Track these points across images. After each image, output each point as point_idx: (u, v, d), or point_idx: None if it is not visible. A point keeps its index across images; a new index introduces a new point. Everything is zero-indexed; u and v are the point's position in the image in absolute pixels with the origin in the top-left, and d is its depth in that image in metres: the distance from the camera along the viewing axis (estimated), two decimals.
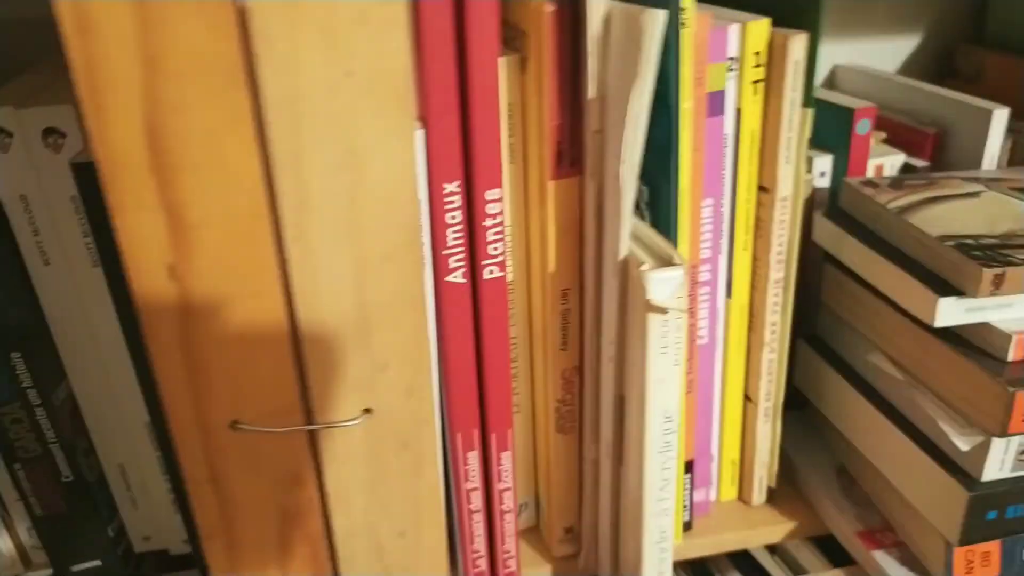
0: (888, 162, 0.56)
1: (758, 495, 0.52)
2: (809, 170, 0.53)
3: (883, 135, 0.58)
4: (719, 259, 0.44)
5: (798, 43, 0.39)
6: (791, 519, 0.51)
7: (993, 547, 0.43)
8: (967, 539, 0.42)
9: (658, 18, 0.31)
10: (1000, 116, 0.52)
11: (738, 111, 0.40)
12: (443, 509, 0.34)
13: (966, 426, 0.41)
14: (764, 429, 0.49)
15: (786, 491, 0.53)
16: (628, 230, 0.34)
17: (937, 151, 0.56)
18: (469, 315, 0.37)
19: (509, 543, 0.44)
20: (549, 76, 0.34)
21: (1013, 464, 0.41)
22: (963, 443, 0.41)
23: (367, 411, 0.31)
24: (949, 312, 0.40)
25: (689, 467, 0.48)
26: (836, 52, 0.66)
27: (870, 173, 0.55)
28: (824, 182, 0.54)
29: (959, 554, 0.43)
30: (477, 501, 0.42)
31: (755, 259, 0.44)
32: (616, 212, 0.34)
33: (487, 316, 0.37)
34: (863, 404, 0.48)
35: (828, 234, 0.50)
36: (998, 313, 0.41)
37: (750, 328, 0.46)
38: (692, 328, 0.44)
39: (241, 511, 0.30)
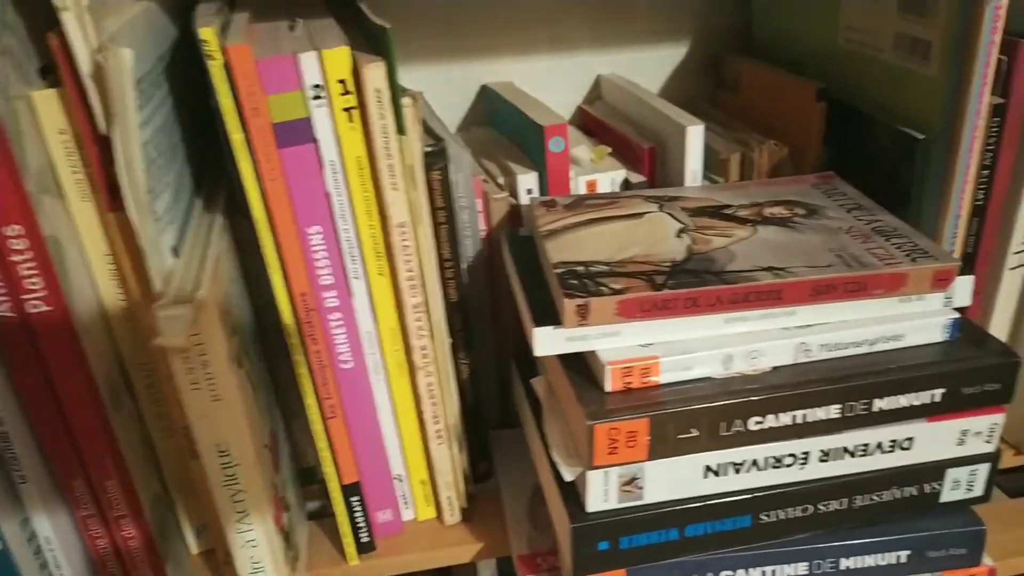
0: (607, 178, 0.55)
1: (450, 515, 0.51)
2: (504, 187, 0.53)
3: (608, 149, 0.57)
4: (351, 284, 0.43)
5: (374, 72, 0.38)
6: (481, 540, 0.51)
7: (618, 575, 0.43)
8: (580, 569, 0.41)
9: (123, 58, 0.30)
10: (695, 132, 0.51)
11: (338, 139, 0.40)
12: None
13: (573, 456, 0.41)
14: (440, 451, 0.49)
15: (489, 510, 0.53)
16: (155, 265, 0.34)
17: (655, 166, 0.55)
18: (27, 347, 0.37)
19: (142, 568, 0.44)
20: (73, 107, 0.34)
21: (619, 495, 0.40)
22: (567, 473, 0.40)
23: None
24: (548, 341, 0.40)
25: (355, 489, 0.48)
26: (601, 62, 0.65)
27: (581, 189, 0.54)
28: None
29: None
30: (97, 527, 0.43)
31: (395, 284, 0.44)
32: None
33: (45, 349, 0.36)
34: (532, 428, 0.48)
35: (505, 255, 0.50)
36: (606, 342, 0.40)
37: (407, 352, 0.46)
38: (323, 353, 0.44)
39: None
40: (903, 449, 0.42)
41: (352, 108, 0.39)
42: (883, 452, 0.41)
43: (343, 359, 0.45)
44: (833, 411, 0.40)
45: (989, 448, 0.43)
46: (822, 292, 0.39)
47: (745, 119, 0.61)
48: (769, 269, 0.39)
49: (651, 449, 0.39)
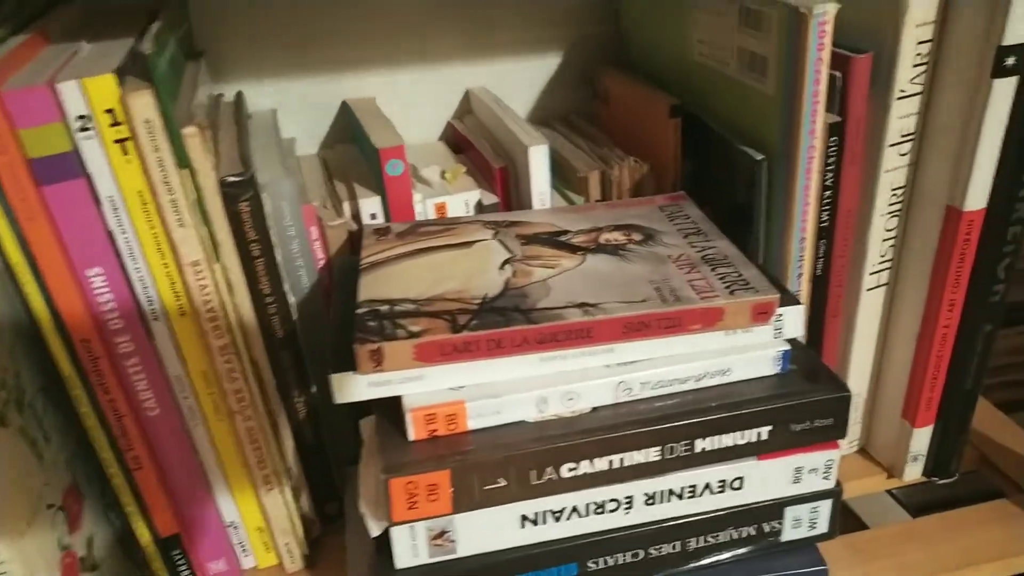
0: (460, 200, 0.52)
1: (290, 562, 0.48)
2: (342, 212, 0.50)
3: (463, 169, 0.54)
4: (151, 326, 0.40)
5: (139, 101, 0.35)
6: None
7: None
8: None
9: None
10: (539, 152, 0.48)
11: (114, 173, 0.37)
12: None
13: (379, 509, 0.38)
14: (271, 497, 0.46)
15: (336, 554, 0.50)
16: None
17: (508, 186, 0.53)
18: None
19: None
20: None
21: (430, 550, 0.38)
22: (373, 528, 0.38)
23: None
24: (348, 388, 0.37)
25: (175, 542, 0.45)
26: (472, 74, 0.62)
27: (429, 213, 0.52)
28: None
29: None
30: None
31: (198, 325, 0.41)
32: None
33: None
34: None
35: (334, 288, 0.47)
36: (412, 386, 0.37)
37: (223, 395, 0.43)
38: (119, 402, 0.40)
39: None
40: (734, 489, 0.40)
41: (125, 140, 0.35)
42: (713, 493, 0.39)
43: (148, 406, 0.42)
44: (652, 454, 0.37)
45: (828, 485, 0.41)
46: (635, 329, 0.37)
47: (615, 134, 0.59)
48: (581, 306, 0.37)
49: (456, 502, 0.36)
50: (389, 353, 0.35)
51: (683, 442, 0.37)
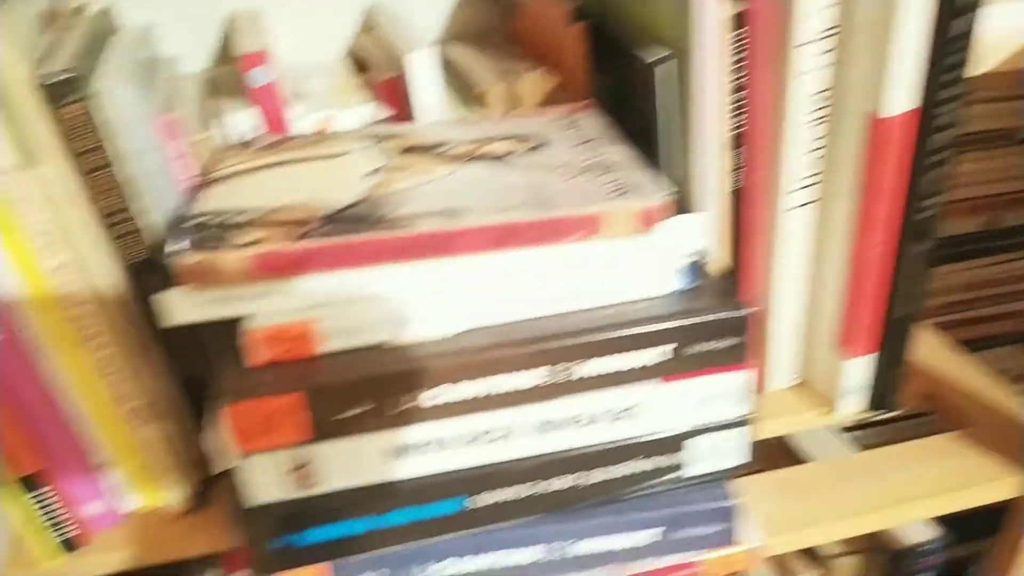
0: (352, 114, 0.47)
1: (180, 503, 0.44)
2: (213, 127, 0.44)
3: (356, 82, 0.49)
4: None
5: None
6: (212, 529, 0.43)
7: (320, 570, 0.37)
8: (262, 568, 0.35)
9: None
10: (420, 60, 0.43)
11: None
12: None
13: (222, 440, 0.34)
14: (142, 433, 0.41)
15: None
16: None
17: (401, 99, 0.48)
18: None
19: None
20: None
21: (289, 484, 0.34)
22: (218, 462, 0.34)
23: None
24: (180, 307, 0.32)
25: (34, 482, 0.41)
26: None
27: (313, 128, 0.47)
28: None
29: None
30: None
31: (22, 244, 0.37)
32: None
33: None
34: None
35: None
36: (258, 304, 0.33)
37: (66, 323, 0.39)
38: None
39: None
40: (632, 417, 0.36)
41: None
42: (609, 421, 0.35)
43: None
44: (529, 377, 0.33)
45: (739, 412, 0.37)
46: (505, 238, 0.32)
47: (528, 47, 0.54)
48: (444, 212, 0.33)
49: (304, 431, 0.32)
50: (216, 267, 0.31)
51: (563, 364, 0.33)
